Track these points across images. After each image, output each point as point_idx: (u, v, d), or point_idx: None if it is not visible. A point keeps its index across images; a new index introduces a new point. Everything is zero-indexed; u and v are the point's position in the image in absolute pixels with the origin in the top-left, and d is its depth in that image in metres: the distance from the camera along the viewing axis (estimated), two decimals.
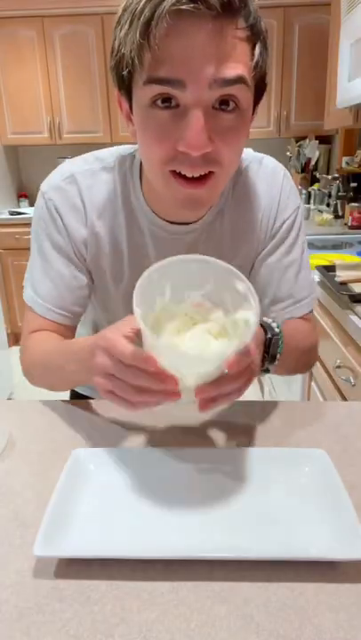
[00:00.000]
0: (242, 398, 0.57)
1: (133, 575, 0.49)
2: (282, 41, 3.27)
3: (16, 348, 4.21)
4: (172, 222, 0.75)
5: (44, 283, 0.77)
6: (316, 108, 3.23)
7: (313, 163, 3.31)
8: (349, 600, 0.46)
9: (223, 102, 0.56)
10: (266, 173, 0.78)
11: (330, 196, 2.96)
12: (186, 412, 0.66)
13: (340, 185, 2.77)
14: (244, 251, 0.81)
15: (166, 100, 0.55)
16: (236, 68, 0.54)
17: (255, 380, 3.02)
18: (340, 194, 2.77)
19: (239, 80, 0.55)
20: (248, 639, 0.42)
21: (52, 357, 0.74)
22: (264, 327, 0.69)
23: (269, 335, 0.68)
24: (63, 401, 0.83)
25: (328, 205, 2.98)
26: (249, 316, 0.52)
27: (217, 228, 0.77)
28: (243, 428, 0.74)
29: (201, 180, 0.59)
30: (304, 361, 0.85)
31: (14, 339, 3.80)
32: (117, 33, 0.58)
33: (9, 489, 0.62)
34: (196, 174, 0.58)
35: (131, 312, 0.49)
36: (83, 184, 0.74)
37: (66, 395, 1.06)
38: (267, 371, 0.72)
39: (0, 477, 0.64)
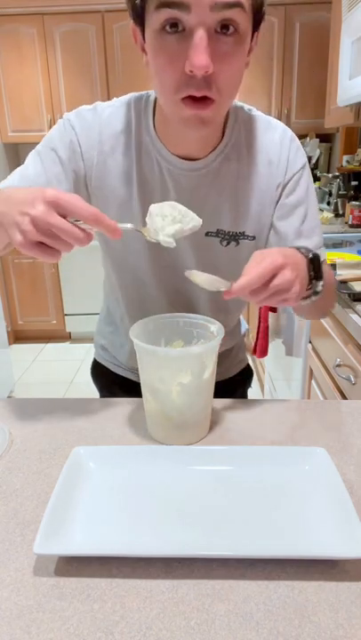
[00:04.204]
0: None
1: (133, 573, 0.49)
2: (283, 39, 3.26)
3: (16, 347, 4.19)
4: (180, 158, 0.79)
5: (16, 176, 0.80)
6: (317, 106, 3.22)
7: (314, 161, 3.30)
8: (349, 598, 0.46)
9: (224, 27, 0.63)
10: (276, 131, 0.83)
11: (330, 194, 2.95)
12: (175, 439, 0.70)
13: (341, 183, 2.77)
14: (255, 199, 0.83)
15: (174, 25, 0.62)
16: None
17: (255, 379, 3.01)
18: (340, 192, 2.77)
19: (237, 4, 0.61)
20: (248, 637, 0.43)
21: None
22: (300, 250, 0.72)
23: (311, 255, 0.72)
24: (63, 399, 0.83)
25: (329, 204, 2.98)
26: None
27: (222, 173, 0.81)
28: (243, 426, 0.74)
29: (205, 101, 0.66)
30: (327, 300, 0.86)
31: (14, 337, 3.80)
32: None
33: (9, 487, 0.62)
34: (200, 95, 0.65)
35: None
36: (103, 115, 0.80)
37: (65, 394, 1.06)
38: (316, 293, 0.74)
39: (0, 475, 0.64)
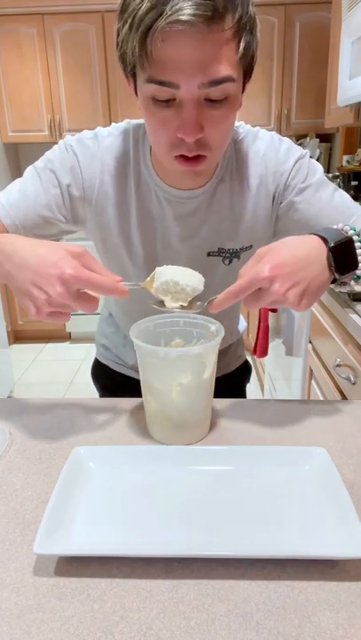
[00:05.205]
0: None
1: (133, 573, 0.49)
2: (283, 39, 3.26)
3: (16, 347, 4.19)
4: (176, 188, 0.80)
5: (15, 192, 0.80)
6: (317, 106, 3.22)
7: None
8: (349, 598, 0.46)
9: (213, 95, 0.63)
10: (263, 141, 0.83)
11: None
12: (176, 439, 0.70)
13: (341, 183, 2.77)
14: (248, 212, 0.83)
15: (164, 95, 0.63)
16: (222, 70, 0.61)
17: (255, 379, 3.00)
18: None
19: (225, 79, 0.61)
20: (248, 637, 0.43)
21: None
22: (323, 237, 0.67)
23: (333, 244, 0.66)
24: (63, 399, 0.83)
25: None
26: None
27: (217, 195, 0.82)
28: (243, 426, 0.74)
29: (197, 159, 0.68)
30: None
31: (14, 337, 3.80)
32: (120, 27, 0.63)
33: (9, 487, 0.62)
34: (193, 155, 0.68)
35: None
36: (104, 144, 0.81)
37: (65, 394, 1.06)
38: (358, 278, 0.70)
39: (0, 475, 0.64)
